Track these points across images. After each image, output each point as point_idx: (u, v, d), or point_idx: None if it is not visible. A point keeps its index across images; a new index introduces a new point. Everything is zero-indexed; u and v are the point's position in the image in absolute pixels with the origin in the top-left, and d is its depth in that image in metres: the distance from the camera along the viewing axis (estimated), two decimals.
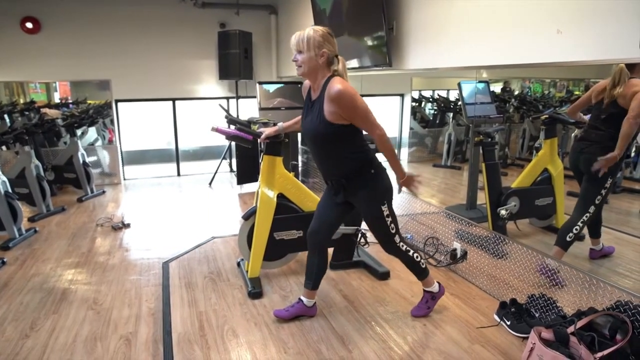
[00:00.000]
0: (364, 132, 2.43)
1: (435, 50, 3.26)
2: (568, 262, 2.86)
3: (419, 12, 3.37)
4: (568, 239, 3.10)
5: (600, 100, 3.06)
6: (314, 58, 2.30)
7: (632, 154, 4.67)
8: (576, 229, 3.08)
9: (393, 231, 2.58)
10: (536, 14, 2.38)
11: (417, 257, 2.70)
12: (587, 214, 3.07)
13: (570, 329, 2.11)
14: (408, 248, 2.68)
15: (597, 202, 3.06)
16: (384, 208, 2.50)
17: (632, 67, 2.90)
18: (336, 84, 2.25)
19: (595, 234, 3.37)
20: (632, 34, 1.74)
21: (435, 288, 2.81)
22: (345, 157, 2.42)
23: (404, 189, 2.54)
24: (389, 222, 2.54)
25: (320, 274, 2.75)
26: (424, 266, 2.74)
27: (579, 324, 2.14)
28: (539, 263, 2.89)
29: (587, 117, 3.32)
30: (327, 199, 2.66)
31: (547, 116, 3.73)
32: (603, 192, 3.04)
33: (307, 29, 2.31)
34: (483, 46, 2.79)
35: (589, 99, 3.21)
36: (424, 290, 2.83)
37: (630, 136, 2.84)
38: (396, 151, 2.39)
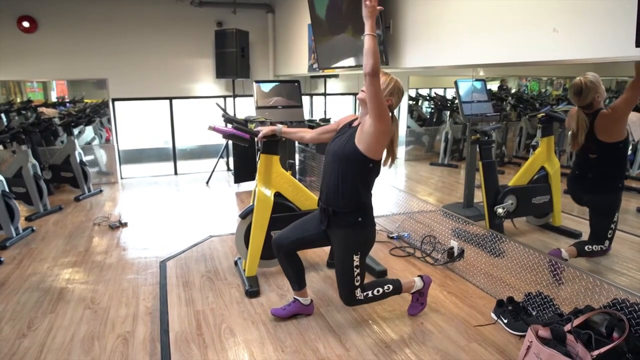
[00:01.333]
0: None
1: (431, 49, 3.27)
2: (565, 261, 2.87)
3: (416, 10, 3.37)
4: (586, 249, 3.13)
5: (574, 147, 3.09)
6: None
7: (629, 152, 4.69)
8: (595, 248, 3.12)
9: (357, 283, 2.52)
10: (532, 12, 2.38)
11: (378, 291, 2.64)
12: (603, 246, 3.12)
13: (567, 327, 2.12)
14: (367, 292, 2.60)
15: (609, 236, 3.10)
16: (356, 258, 2.46)
17: (589, 106, 2.94)
18: None
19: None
20: (628, 32, 1.74)
21: (418, 285, 2.80)
22: (349, 186, 2.39)
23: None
24: (355, 273, 2.49)
25: (300, 274, 2.75)
26: (390, 289, 2.68)
27: (576, 322, 2.15)
28: (552, 255, 2.90)
29: None
30: (311, 219, 2.65)
31: (543, 114, 3.74)
32: (613, 225, 3.08)
33: (393, 76, 2.40)
34: (479, 45, 2.79)
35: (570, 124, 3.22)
36: (411, 293, 2.83)
37: None
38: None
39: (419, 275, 2.84)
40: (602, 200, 3.11)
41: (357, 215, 2.42)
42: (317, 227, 2.58)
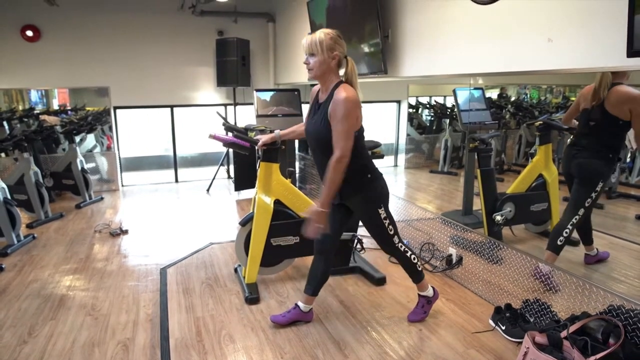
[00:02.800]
0: (364, 139, 2.51)
1: (429, 58, 3.30)
2: (562, 267, 2.89)
3: (414, 20, 3.41)
4: (559, 242, 3.12)
5: (587, 107, 3.11)
6: (326, 60, 2.35)
7: (628, 160, 4.71)
8: (566, 232, 3.11)
9: (391, 232, 2.63)
10: (528, 23, 2.42)
11: (414, 258, 2.75)
12: (577, 217, 3.10)
13: (564, 333, 2.14)
14: (406, 249, 2.73)
15: (586, 204, 3.08)
16: (381, 211, 2.55)
17: (615, 74, 2.95)
18: (343, 92, 2.30)
19: (587, 241, 3.39)
20: (619, 43, 1.78)
21: (430, 292, 2.84)
22: None
23: (305, 214, 2.46)
24: (386, 224, 2.59)
25: (323, 281, 2.78)
26: (420, 269, 2.78)
27: (572, 328, 2.16)
28: (533, 267, 2.92)
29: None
30: None
31: (541, 122, 3.77)
32: (593, 195, 3.07)
33: (317, 32, 2.36)
34: (476, 54, 2.83)
35: (578, 104, 3.25)
36: (419, 295, 2.86)
37: None
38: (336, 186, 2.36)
39: (431, 286, 2.89)
40: (589, 164, 3.09)
41: (364, 174, 2.48)
42: (335, 207, 2.60)
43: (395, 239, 2.67)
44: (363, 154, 2.50)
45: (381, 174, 2.57)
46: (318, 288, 2.78)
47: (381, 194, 2.56)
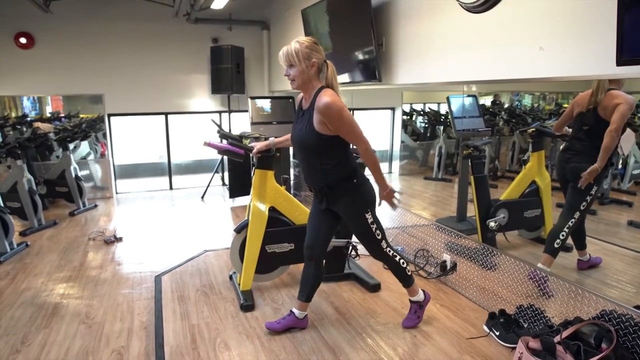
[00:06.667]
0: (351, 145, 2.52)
1: (423, 66, 3.33)
2: (556, 273, 2.91)
3: (408, 29, 3.45)
4: (556, 245, 3.17)
5: (581, 111, 3.18)
6: (306, 70, 2.37)
7: (619, 166, 4.76)
8: (562, 235, 3.16)
9: (379, 237, 2.64)
10: (519, 31, 2.45)
11: (403, 263, 2.76)
12: (573, 220, 3.15)
13: (557, 338, 2.15)
14: (395, 254, 2.74)
15: (582, 208, 3.14)
16: (368, 216, 2.56)
17: (611, 80, 3.02)
18: (325, 96, 2.32)
19: (580, 245, 3.43)
20: (609, 51, 1.81)
21: (420, 297, 2.85)
22: (330, 166, 2.47)
23: (383, 202, 2.59)
24: (374, 229, 2.60)
25: (315, 286, 2.78)
26: (409, 273, 2.79)
27: (565, 333, 2.18)
28: (531, 270, 2.93)
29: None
30: (315, 211, 2.71)
31: (533, 129, 3.81)
32: (588, 198, 3.13)
33: (292, 43, 2.37)
34: (469, 62, 2.86)
35: (571, 112, 3.30)
36: (411, 301, 2.87)
37: (611, 149, 2.97)
38: (380, 165, 2.51)
39: (422, 290, 2.90)
40: (583, 168, 3.12)
41: (350, 179, 2.50)
42: (323, 213, 2.64)
43: (383, 244, 2.67)
44: (350, 159, 2.53)
45: (367, 179, 2.59)
46: (311, 294, 2.79)
47: (367, 199, 2.57)
